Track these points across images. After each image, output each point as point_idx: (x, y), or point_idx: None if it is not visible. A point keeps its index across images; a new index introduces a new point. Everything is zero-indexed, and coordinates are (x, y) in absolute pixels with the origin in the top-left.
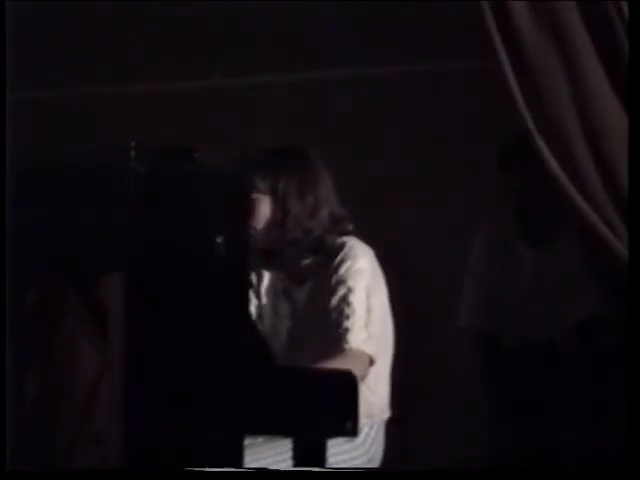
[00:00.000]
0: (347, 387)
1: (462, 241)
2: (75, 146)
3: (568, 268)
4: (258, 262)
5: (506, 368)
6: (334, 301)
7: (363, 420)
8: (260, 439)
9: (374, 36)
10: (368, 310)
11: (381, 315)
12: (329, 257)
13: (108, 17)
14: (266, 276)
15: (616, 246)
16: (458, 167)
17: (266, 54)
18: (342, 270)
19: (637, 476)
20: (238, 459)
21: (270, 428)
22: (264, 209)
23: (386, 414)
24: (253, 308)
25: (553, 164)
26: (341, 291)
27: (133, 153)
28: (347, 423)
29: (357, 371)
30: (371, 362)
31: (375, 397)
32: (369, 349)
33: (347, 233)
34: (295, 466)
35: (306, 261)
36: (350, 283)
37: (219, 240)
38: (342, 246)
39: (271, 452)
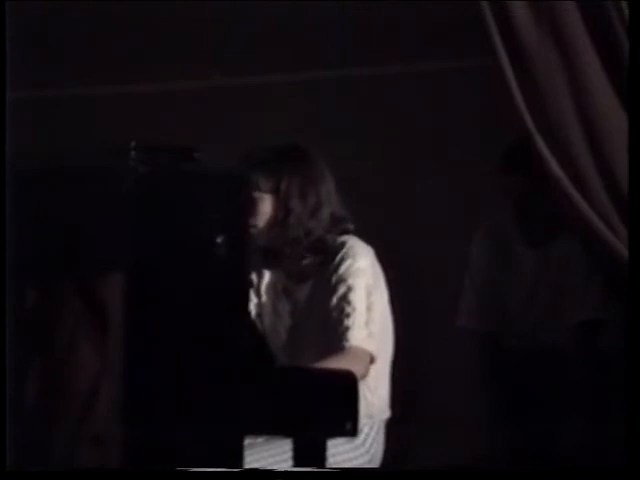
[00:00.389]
0: (347, 387)
1: (462, 241)
2: (75, 146)
3: (568, 268)
4: (258, 261)
5: (506, 368)
6: (334, 300)
7: (363, 420)
8: (260, 439)
9: (374, 36)
10: (368, 308)
11: (381, 314)
12: (329, 256)
13: (108, 17)
14: (266, 275)
15: (616, 246)
16: (458, 167)
17: (266, 54)
18: (342, 269)
19: (637, 476)
20: (238, 459)
21: (270, 428)
22: (266, 208)
23: (386, 414)
24: (253, 307)
25: (553, 164)
26: (341, 290)
27: (133, 153)
28: (347, 423)
29: (358, 369)
30: (372, 360)
31: (375, 397)
32: (370, 347)
33: (347, 233)
34: (295, 466)
35: (306, 260)
36: (350, 282)
37: (219, 240)
38: (342, 245)
39: (271, 452)
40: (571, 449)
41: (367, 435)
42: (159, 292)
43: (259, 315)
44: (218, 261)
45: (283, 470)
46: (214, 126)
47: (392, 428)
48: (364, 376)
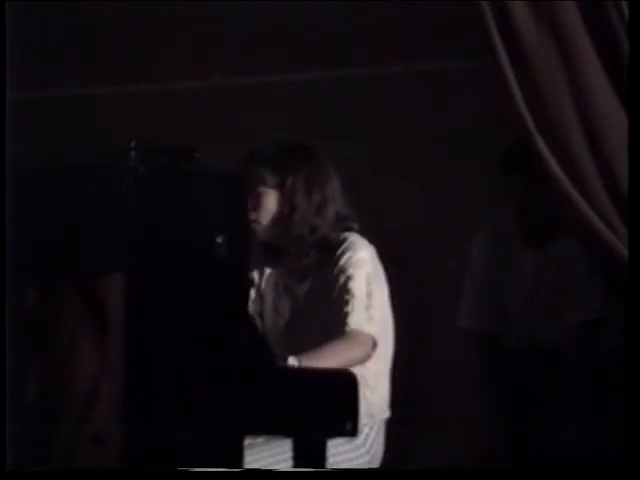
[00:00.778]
0: (347, 387)
1: (462, 241)
2: (75, 146)
3: (568, 268)
4: (260, 258)
5: (506, 368)
6: (335, 291)
7: (363, 420)
8: (260, 439)
9: (374, 36)
10: (369, 295)
11: (381, 305)
12: (331, 253)
13: (108, 17)
14: (268, 273)
15: (616, 246)
16: (458, 167)
17: (266, 54)
18: (343, 260)
19: (637, 476)
20: (238, 459)
21: (270, 428)
22: (271, 203)
23: (386, 414)
24: (254, 305)
25: (553, 164)
26: (342, 279)
27: (133, 153)
28: (347, 423)
29: (359, 353)
30: (374, 345)
31: (375, 396)
32: (370, 330)
33: (351, 232)
34: (295, 466)
35: (309, 258)
36: (350, 271)
37: (219, 240)
38: (343, 240)
39: (271, 452)
40: (571, 449)
41: (367, 435)
42: (159, 292)
43: (260, 313)
44: (218, 261)
45: (283, 470)
46: (214, 126)
47: (392, 428)
48: (367, 358)
